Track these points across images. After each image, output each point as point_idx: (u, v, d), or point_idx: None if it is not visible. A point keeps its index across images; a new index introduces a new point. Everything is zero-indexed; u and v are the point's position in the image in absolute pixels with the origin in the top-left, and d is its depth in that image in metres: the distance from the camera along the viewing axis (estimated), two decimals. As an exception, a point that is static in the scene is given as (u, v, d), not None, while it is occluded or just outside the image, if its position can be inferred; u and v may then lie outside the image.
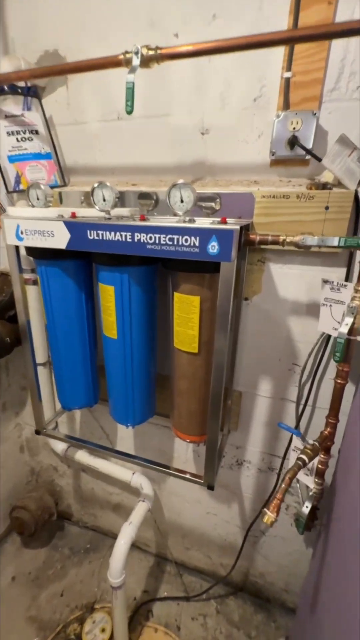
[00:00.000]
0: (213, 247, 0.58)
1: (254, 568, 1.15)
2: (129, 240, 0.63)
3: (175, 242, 0.60)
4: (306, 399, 0.85)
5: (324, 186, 0.70)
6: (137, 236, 0.62)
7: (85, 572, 1.28)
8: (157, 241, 0.61)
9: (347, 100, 0.72)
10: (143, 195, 0.86)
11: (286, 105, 0.73)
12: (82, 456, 1.19)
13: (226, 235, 0.56)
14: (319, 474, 0.74)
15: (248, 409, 0.95)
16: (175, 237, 0.60)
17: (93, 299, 0.87)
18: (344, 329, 0.59)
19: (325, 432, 0.71)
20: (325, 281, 0.66)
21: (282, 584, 1.13)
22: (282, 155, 0.75)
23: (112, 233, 0.64)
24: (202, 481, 0.80)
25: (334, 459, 0.80)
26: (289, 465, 0.80)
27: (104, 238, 0.65)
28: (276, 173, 0.80)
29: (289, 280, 0.80)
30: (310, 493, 0.76)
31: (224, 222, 0.64)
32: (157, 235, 0.61)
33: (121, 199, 0.87)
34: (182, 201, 0.64)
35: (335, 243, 0.57)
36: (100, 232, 0.65)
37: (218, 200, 0.76)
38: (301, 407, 0.88)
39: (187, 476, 0.81)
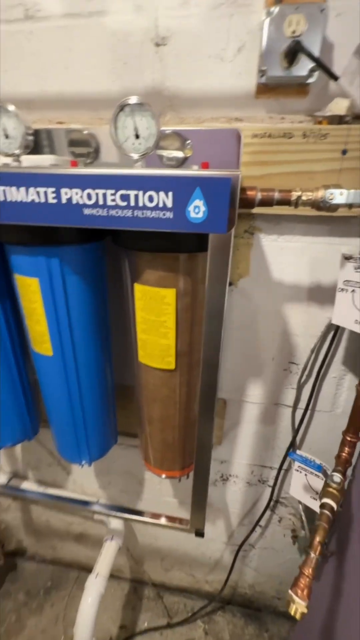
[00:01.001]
0: (196, 210, 0.35)
1: (243, 580, 1.04)
2: (52, 201, 0.37)
3: (133, 203, 0.36)
4: (307, 403, 0.69)
5: (340, 119, 0.49)
6: (66, 194, 0.37)
7: (48, 620, 1.07)
8: (100, 202, 0.36)
9: (362, -5, 0.50)
10: (76, 140, 0.58)
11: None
12: (30, 486, 0.94)
13: (218, 187, 0.34)
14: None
15: (234, 419, 0.77)
16: (132, 193, 0.35)
17: (13, 298, 0.59)
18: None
19: (344, 455, 0.55)
20: (347, 258, 0.48)
21: (273, 592, 1.04)
22: (275, 77, 0.52)
23: (23, 190, 0.38)
24: (187, 527, 0.61)
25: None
26: (288, 478, 0.66)
27: (10, 199, 0.38)
28: (264, 107, 0.57)
29: (287, 256, 0.60)
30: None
31: (205, 169, 0.40)
32: (100, 192, 0.36)
33: (50, 146, 0.59)
34: (137, 136, 0.39)
35: (384, 199, 0.37)
36: (1, 189, 0.38)
37: (189, 143, 0.52)
38: (298, 412, 0.72)
39: (168, 523, 0.62)
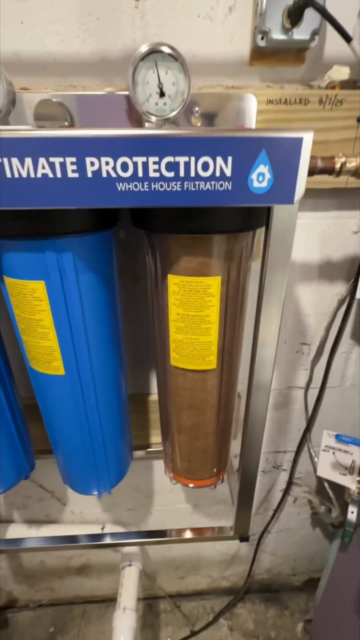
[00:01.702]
0: (260, 178, 0.29)
1: (260, 567, 1.04)
2: (72, 175, 0.28)
3: (183, 174, 0.29)
4: (322, 383, 0.69)
5: (355, 84, 0.47)
6: (93, 165, 0.28)
7: (59, 670, 0.94)
8: (140, 174, 0.29)
9: None
10: (45, 113, 0.48)
11: None
12: (19, 532, 0.81)
13: (289, 148, 0.29)
14: (362, 471, 0.60)
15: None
16: (182, 160, 0.28)
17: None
18: None
19: (378, 426, 0.56)
20: (375, 228, 0.46)
21: (289, 570, 1.06)
22: (277, 41, 0.47)
23: (29, 161, 0.28)
24: (231, 534, 0.57)
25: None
26: (302, 459, 0.65)
27: (10, 175, 0.28)
28: (258, 75, 0.53)
29: (296, 235, 0.58)
30: (355, 497, 0.62)
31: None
32: (139, 161, 0.28)
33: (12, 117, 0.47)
34: (162, 93, 0.32)
35: None
36: (-6, 162, 0.28)
37: (197, 110, 0.45)
38: (310, 391, 0.72)
39: (210, 535, 0.57)
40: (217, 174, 0.29)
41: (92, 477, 0.53)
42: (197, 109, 0.45)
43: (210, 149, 0.28)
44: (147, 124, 0.37)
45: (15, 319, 0.41)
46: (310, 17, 0.45)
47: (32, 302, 0.37)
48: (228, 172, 0.29)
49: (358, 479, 0.61)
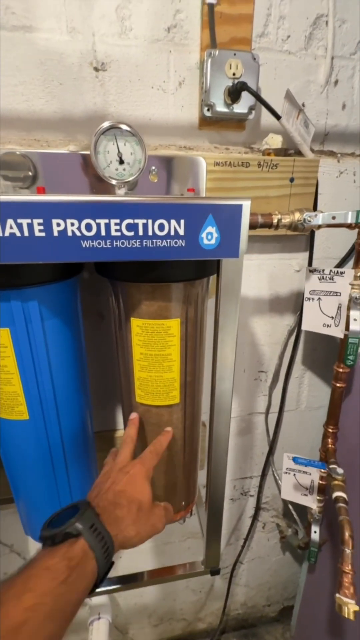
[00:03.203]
0: (209, 237, 0.34)
1: (235, 602, 1.02)
2: (39, 235, 0.31)
3: (142, 233, 0.33)
4: (280, 406, 0.74)
5: (285, 152, 0.56)
6: (59, 225, 0.31)
7: None
8: (103, 233, 0.32)
9: (278, 51, 0.59)
10: (9, 163, 0.51)
11: (213, 44, 0.54)
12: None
13: (231, 213, 0.34)
14: (321, 490, 0.64)
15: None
16: (141, 222, 0.32)
17: None
18: (357, 326, 0.48)
19: (330, 446, 0.61)
20: (312, 271, 0.54)
21: (264, 601, 1.04)
22: (220, 112, 0.56)
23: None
24: (202, 568, 0.57)
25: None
26: (267, 483, 0.67)
27: (-24, 234, 0.30)
28: (207, 137, 0.61)
29: (248, 273, 0.64)
30: (316, 516, 0.65)
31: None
32: (102, 222, 0.32)
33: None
34: (121, 161, 0.37)
35: (350, 219, 0.43)
36: None
37: (154, 169, 0.51)
38: (270, 416, 0.77)
39: (182, 572, 0.56)
40: (172, 233, 0.33)
41: (57, 524, 0.51)
42: (153, 167, 0.51)
43: (165, 214, 0.32)
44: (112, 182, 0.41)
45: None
46: (247, 95, 0.54)
47: (-4, 349, 0.38)
48: (181, 231, 0.33)
49: (318, 497, 0.65)
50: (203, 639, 1.02)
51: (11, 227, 0.30)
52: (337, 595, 0.42)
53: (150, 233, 0.33)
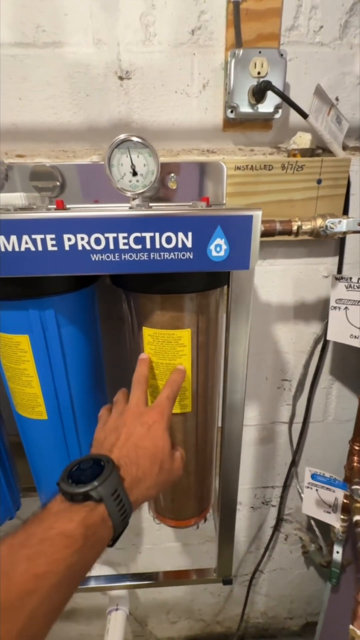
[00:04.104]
0: (218, 249, 0.34)
1: (255, 610, 1.00)
2: (52, 249, 0.33)
3: (149, 246, 0.33)
4: (304, 417, 0.71)
5: (313, 152, 0.53)
6: (70, 240, 0.32)
7: None
8: (111, 246, 0.33)
9: (309, 44, 0.56)
10: (39, 174, 0.54)
11: (238, 43, 0.53)
12: None
13: (240, 224, 0.33)
14: (345, 509, 0.61)
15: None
16: (148, 235, 0.32)
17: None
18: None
19: (356, 464, 0.57)
20: (338, 278, 0.50)
21: (286, 613, 1.02)
22: (244, 113, 0.54)
23: (14, 239, 0.32)
24: (214, 576, 0.57)
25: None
26: (290, 494, 0.64)
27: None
28: (231, 139, 0.59)
29: (272, 279, 0.62)
30: (339, 536, 0.62)
31: (208, 206, 0.39)
32: (110, 236, 0.32)
33: (9, 180, 0.53)
34: (134, 173, 0.37)
35: (379, 225, 0.40)
36: (-17, 239, 0.32)
37: (173, 177, 0.51)
38: (294, 426, 0.74)
39: (194, 579, 0.57)
40: (180, 245, 0.33)
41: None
42: (172, 175, 0.51)
43: (172, 226, 0.32)
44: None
45: (2, 368, 0.44)
46: (273, 94, 0.52)
47: (17, 353, 0.40)
48: (189, 244, 0.33)
49: (342, 517, 0.61)
50: (221, 642, 1.02)
51: (26, 243, 0.32)
52: (351, 627, 0.40)
53: (157, 246, 0.33)
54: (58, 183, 0.54)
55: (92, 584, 0.61)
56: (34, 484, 0.56)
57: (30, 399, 0.43)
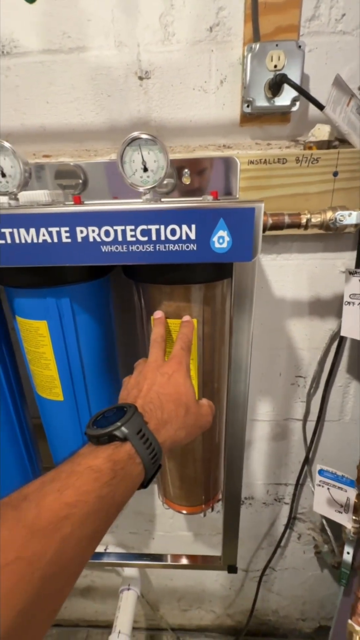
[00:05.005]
0: (221, 240, 0.35)
1: (266, 607, 1.00)
2: (65, 241, 0.35)
3: (155, 238, 0.35)
4: (319, 415, 0.70)
5: (329, 144, 0.52)
6: (82, 232, 0.35)
7: None
8: (120, 238, 0.35)
9: (330, 33, 0.55)
10: (63, 172, 0.57)
11: (256, 37, 0.53)
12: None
13: (243, 217, 0.34)
14: (357, 509, 0.59)
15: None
16: (153, 228, 0.34)
17: (8, 339, 0.55)
18: None
19: (368, 463, 0.56)
20: (351, 272, 0.50)
21: (298, 614, 1.00)
22: (260, 107, 0.54)
23: (32, 231, 0.35)
24: (219, 564, 0.58)
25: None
26: (305, 493, 0.64)
27: (18, 241, 0.36)
28: (249, 134, 0.59)
29: (286, 274, 0.62)
30: (350, 536, 0.61)
31: (216, 199, 0.41)
32: (118, 229, 0.35)
33: (36, 179, 0.57)
34: (145, 169, 0.39)
35: (391, 217, 0.39)
36: (7, 231, 0.35)
37: (187, 172, 0.52)
38: (308, 424, 0.73)
39: (200, 564, 0.58)
40: (184, 237, 0.35)
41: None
42: (186, 170, 0.52)
43: (176, 219, 0.34)
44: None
45: (24, 351, 0.48)
46: (290, 87, 0.52)
47: (37, 337, 0.44)
48: (192, 236, 0.34)
49: (354, 517, 0.60)
50: (231, 635, 1.03)
51: (43, 235, 0.35)
52: (349, 621, 0.40)
53: (162, 238, 0.35)
54: (80, 181, 0.58)
55: (105, 559, 0.65)
56: (54, 464, 0.60)
57: (49, 381, 0.47)
